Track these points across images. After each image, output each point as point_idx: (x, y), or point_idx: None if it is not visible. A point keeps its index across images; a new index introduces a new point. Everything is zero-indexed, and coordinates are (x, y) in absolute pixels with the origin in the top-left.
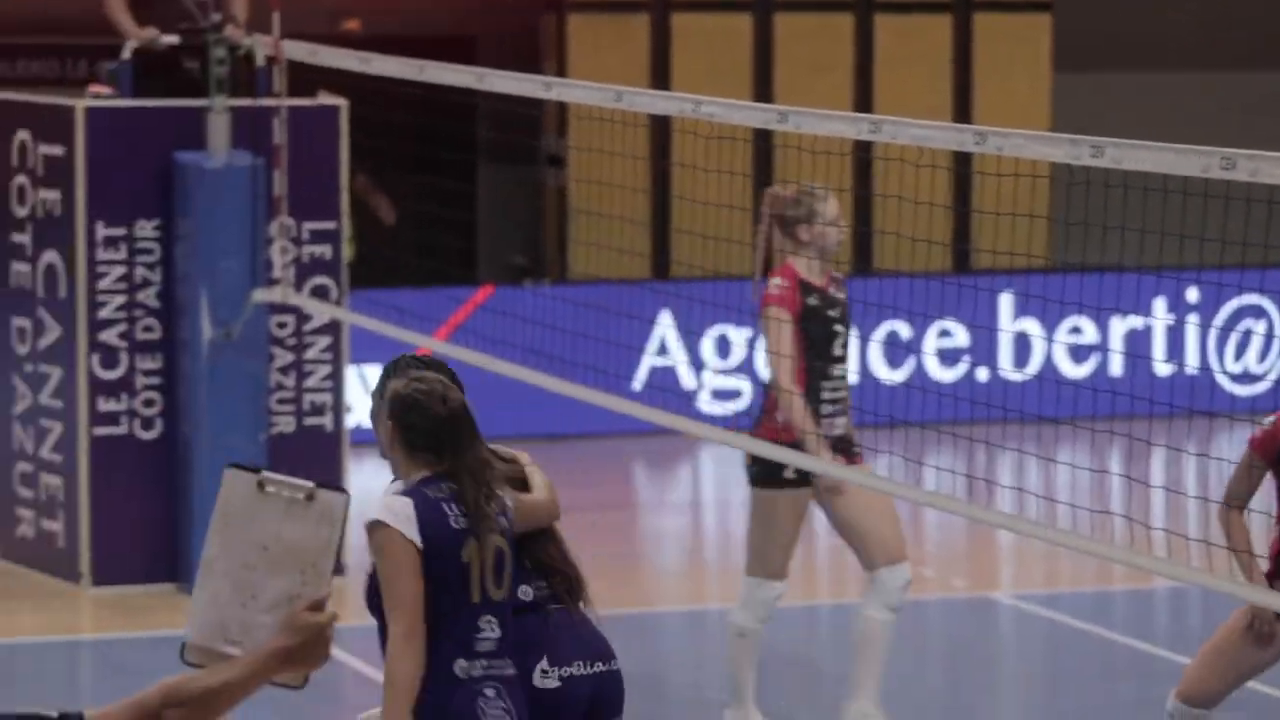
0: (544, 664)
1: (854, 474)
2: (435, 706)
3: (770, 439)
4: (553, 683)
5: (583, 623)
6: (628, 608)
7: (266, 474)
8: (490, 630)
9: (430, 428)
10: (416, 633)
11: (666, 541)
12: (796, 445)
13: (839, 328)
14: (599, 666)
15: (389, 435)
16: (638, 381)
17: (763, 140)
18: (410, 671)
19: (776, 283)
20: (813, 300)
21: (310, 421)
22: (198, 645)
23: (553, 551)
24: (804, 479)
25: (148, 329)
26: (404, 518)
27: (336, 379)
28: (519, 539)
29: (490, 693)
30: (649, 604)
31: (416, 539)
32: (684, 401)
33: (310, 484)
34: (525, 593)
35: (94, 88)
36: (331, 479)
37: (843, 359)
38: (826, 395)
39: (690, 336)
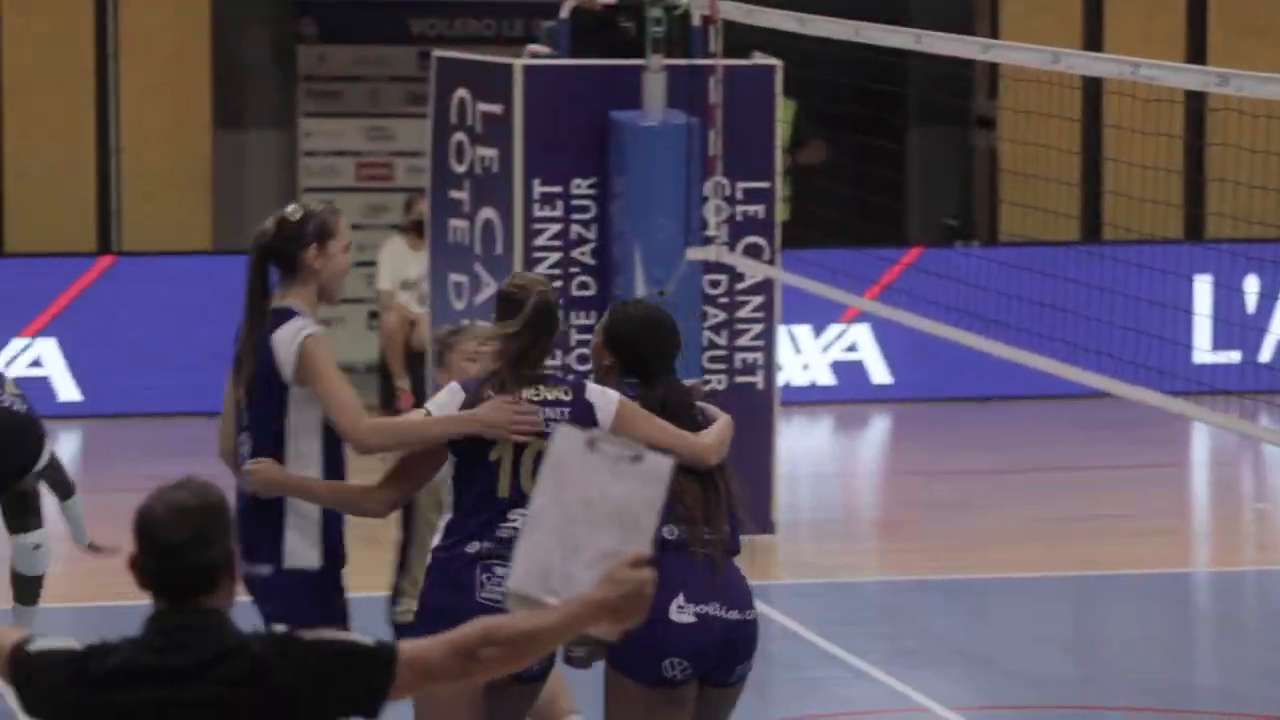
0: (680, 600)
1: None
2: (439, 572)
3: None
4: (688, 618)
5: (727, 568)
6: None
7: (596, 433)
8: (520, 521)
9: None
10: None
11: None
12: None
13: None
14: (734, 614)
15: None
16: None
17: (1196, 103)
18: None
19: None
20: None
21: (742, 379)
22: (518, 593)
23: (700, 498)
24: None
25: (583, 286)
26: (447, 404)
27: (768, 338)
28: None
29: (500, 570)
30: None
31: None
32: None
33: (639, 446)
34: (670, 531)
35: (531, 47)
36: (763, 437)
37: None
38: None
39: (1121, 300)
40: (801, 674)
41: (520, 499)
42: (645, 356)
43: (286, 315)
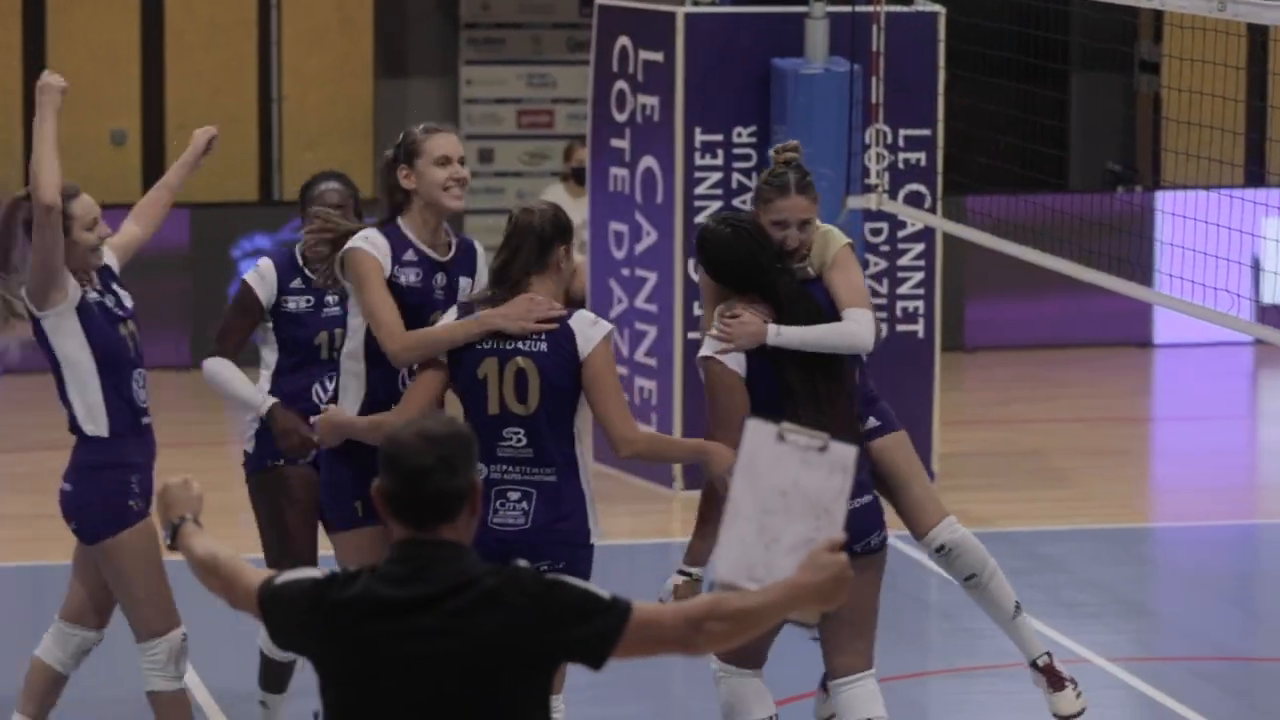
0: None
1: None
2: None
3: None
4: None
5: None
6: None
7: (785, 425)
8: (515, 440)
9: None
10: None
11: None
12: None
13: None
14: (856, 501)
15: None
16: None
17: None
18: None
19: None
20: None
21: (903, 328)
22: (725, 582)
23: (822, 390)
24: None
25: None
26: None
27: (929, 286)
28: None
29: (514, 495)
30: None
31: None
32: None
33: (825, 436)
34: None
35: None
36: (923, 386)
37: None
38: None
39: None
40: (958, 624)
41: (509, 416)
42: (735, 269)
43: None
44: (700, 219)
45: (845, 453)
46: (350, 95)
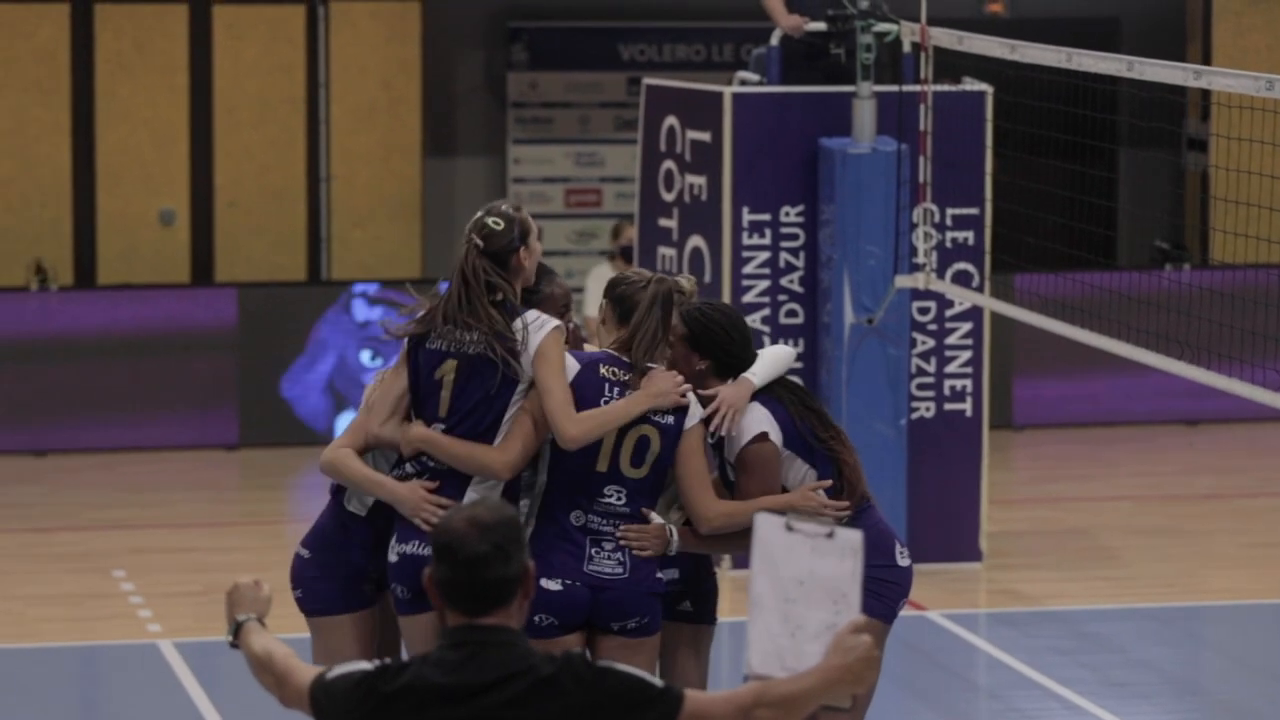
0: (899, 546)
1: None
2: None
3: None
4: (906, 561)
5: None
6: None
7: (790, 516)
8: (616, 497)
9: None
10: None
11: None
12: None
13: None
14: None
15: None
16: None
17: None
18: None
19: None
20: None
21: (950, 407)
22: (759, 674)
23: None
24: None
25: (791, 313)
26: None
27: (976, 365)
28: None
29: (609, 545)
30: None
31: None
32: None
33: (830, 523)
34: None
35: (741, 74)
36: (971, 465)
37: None
38: None
39: None
40: (1008, 704)
41: (618, 476)
42: (737, 351)
43: (518, 311)
44: (748, 298)
45: (852, 537)
46: (398, 174)
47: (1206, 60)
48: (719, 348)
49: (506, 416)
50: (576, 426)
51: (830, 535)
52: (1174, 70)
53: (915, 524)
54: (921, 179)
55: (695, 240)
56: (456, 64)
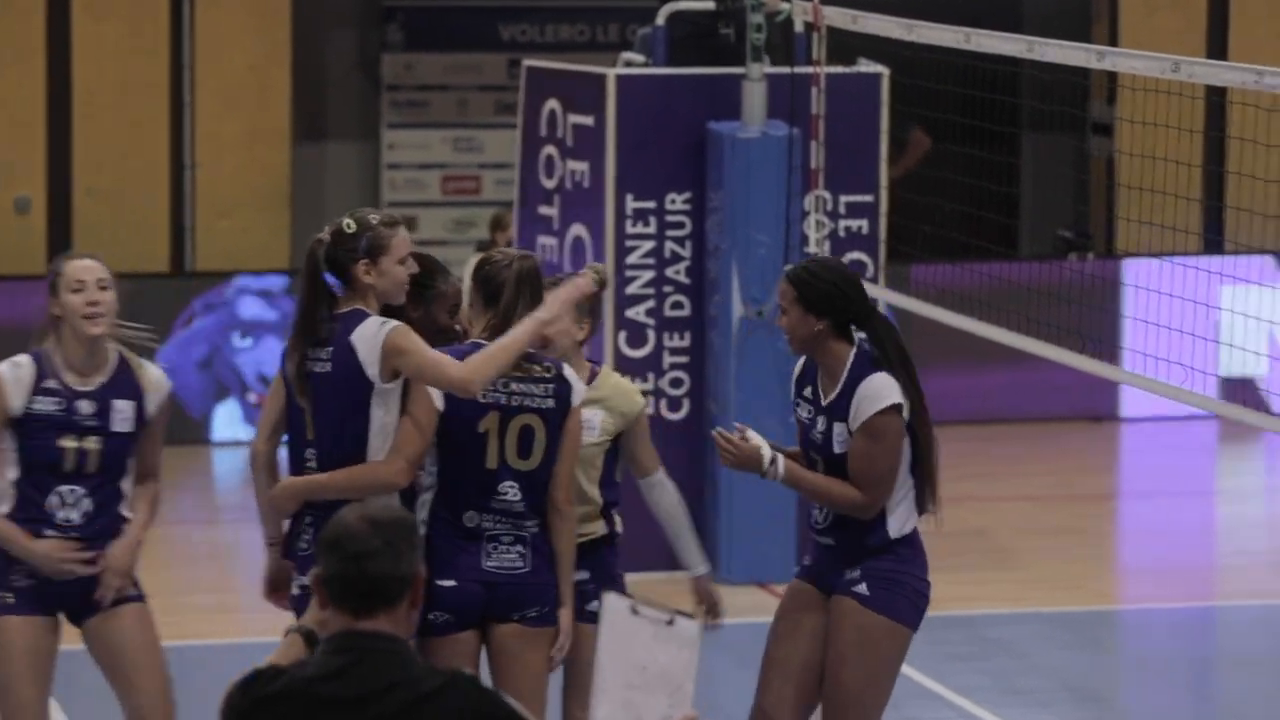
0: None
1: None
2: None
3: None
4: (929, 577)
5: None
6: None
7: (636, 600)
8: (511, 494)
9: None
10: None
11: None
12: None
13: None
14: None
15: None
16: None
17: None
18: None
19: None
20: None
21: None
22: None
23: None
24: None
25: (676, 305)
26: None
27: None
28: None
29: (508, 540)
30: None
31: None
32: (1243, 389)
33: (670, 611)
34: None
35: (626, 55)
36: None
37: None
38: None
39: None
40: (904, 714)
41: (508, 471)
42: (853, 304)
43: (360, 316)
44: (631, 290)
45: (690, 628)
46: (266, 161)
47: (1113, 41)
48: (832, 303)
49: (374, 430)
50: (466, 370)
51: (670, 623)
52: (1077, 51)
53: (805, 524)
54: (814, 165)
55: (577, 229)
56: (328, 45)
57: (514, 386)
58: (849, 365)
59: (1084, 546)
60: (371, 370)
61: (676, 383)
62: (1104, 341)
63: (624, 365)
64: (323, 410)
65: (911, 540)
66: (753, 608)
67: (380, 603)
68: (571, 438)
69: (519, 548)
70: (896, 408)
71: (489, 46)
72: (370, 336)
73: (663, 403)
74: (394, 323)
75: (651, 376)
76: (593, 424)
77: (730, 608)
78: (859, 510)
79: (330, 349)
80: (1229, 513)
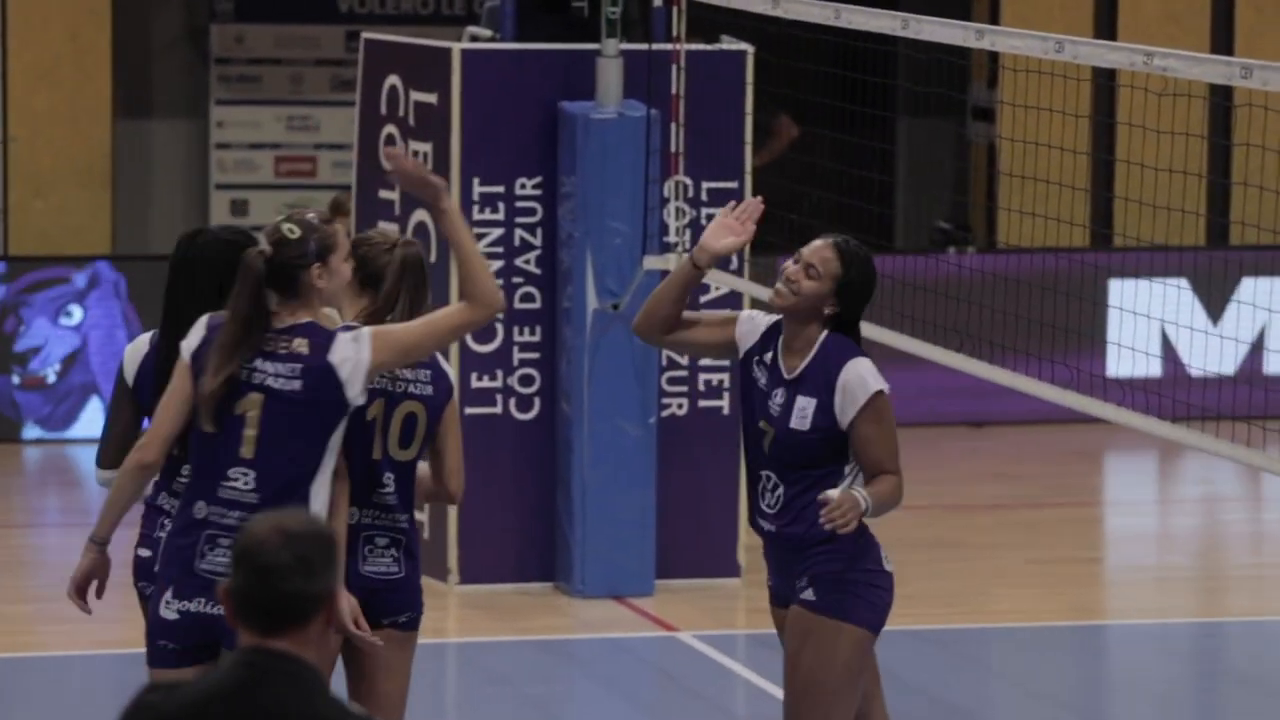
0: (883, 551)
1: None
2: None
3: None
4: (891, 567)
5: None
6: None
7: None
8: (389, 486)
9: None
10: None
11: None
12: None
13: None
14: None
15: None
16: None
17: (1222, 97)
18: None
19: None
20: None
21: (705, 404)
22: None
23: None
24: None
25: (527, 298)
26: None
27: None
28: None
29: (382, 542)
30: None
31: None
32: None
33: None
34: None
35: (471, 29)
36: (728, 469)
37: None
38: None
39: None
40: None
41: (389, 463)
42: (864, 307)
43: (321, 332)
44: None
45: None
46: (86, 136)
47: (994, 19)
48: (860, 298)
49: (330, 449)
50: (475, 300)
51: None
52: (955, 29)
53: (665, 535)
54: (674, 148)
55: (420, 214)
56: (152, 14)
57: (398, 372)
58: (820, 342)
59: (965, 561)
60: (353, 391)
61: (527, 380)
62: (984, 340)
63: (470, 362)
64: (274, 428)
65: (856, 532)
66: (607, 623)
67: (287, 623)
68: (454, 425)
69: (394, 551)
70: (883, 393)
71: (325, 18)
72: (353, 356)
73: (512, 402)
74: (363, 329)
75: (500, 374)
76: None
77: (585, 622)
78: (901, 492)
79: (298, 366)
80: (1116, 524)
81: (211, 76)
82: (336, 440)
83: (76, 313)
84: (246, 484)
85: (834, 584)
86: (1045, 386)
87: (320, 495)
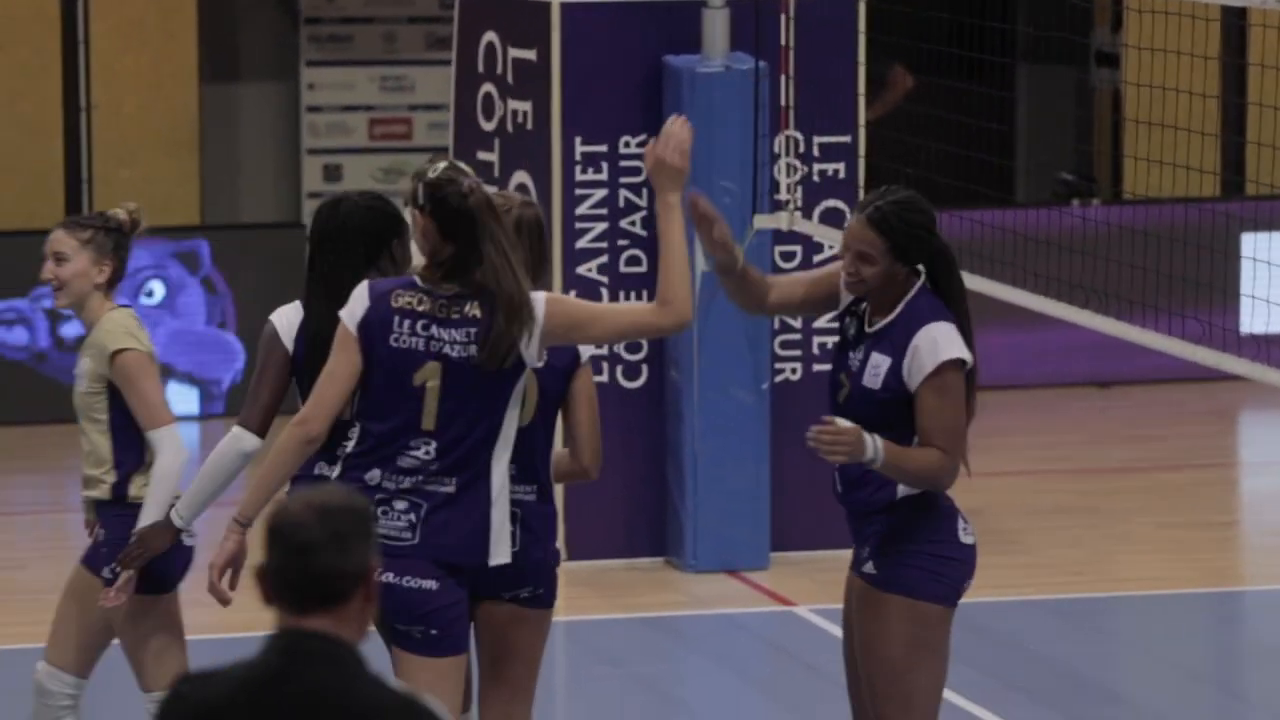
0: (962, 520)
1: None
2: None
3: None
4: (970, 539)
5: None
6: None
7: None
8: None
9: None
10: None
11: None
12: None
13: None
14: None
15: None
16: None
17: None
18: None
19: None
20: None
21: (820, 368)
22: None
23: None
24: None
25: (633, 260)
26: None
27: None
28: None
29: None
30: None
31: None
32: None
33: None
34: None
35: None
36: None
37: None
38: None
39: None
40: None
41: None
42: (935, 243)
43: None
44: (582, 244)
45: None
46: (172, 102)
47: None
48: (924, 248)
49: (508, 420)
50: (668, 303)
51: None
52: None
53: (780, 505)
54: (783, 102)
55: (520, 176)
56: None
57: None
58: (909, 297)
59: (1091, 527)
60: (530, 353)
61: (634, 346)
62: (1110, 296)
63: None
64: (454, 397)
65: (921, 502)
66: (721, 598)
67: (322, 602)
68: (587, 397)
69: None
70: (958, 363)
71: None
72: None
73: (619, 369)
74: (538, 292)
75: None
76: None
77: (697, 598)
78: (944, 472)
79: (473, 330)
80: (1253, 486)
81: (301, 37)
82: (515, 405)
83: (158, 290)
84: (428, 454)
85: (893, 556)
86: (1176, 343)
87: (502, 461)
